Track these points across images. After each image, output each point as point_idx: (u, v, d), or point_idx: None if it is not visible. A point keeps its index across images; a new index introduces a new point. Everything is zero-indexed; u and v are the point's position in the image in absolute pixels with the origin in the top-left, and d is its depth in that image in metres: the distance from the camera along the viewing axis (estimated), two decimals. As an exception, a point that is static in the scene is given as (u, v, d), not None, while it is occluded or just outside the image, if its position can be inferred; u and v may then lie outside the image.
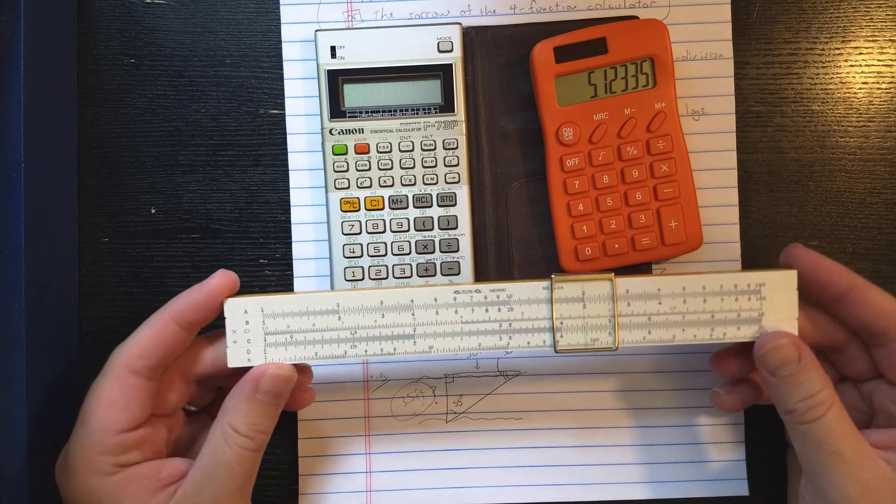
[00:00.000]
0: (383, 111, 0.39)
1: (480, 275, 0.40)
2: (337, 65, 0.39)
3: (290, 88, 0.41)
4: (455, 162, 0.39)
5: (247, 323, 0.35)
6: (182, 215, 0.41)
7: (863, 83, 0.41)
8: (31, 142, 0.37)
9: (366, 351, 0.35)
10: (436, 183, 0.39)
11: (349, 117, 0.39)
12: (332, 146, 0.39)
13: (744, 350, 0.36)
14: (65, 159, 0.41)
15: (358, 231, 0.39)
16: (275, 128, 0.41)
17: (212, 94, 0.41)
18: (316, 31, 0.39)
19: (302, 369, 0.36)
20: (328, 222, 0.40)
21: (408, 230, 0.39)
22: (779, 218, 0.41)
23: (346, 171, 0.39)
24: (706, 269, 0.40)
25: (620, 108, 0.38)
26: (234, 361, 0.35)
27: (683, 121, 0.40)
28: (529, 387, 0.41)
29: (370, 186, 0.39)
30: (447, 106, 0.39)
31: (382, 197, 0.39)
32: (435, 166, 0.39)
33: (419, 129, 0.39)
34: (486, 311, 0.35)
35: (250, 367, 0.35)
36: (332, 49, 0.39)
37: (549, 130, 0.39)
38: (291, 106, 0.41)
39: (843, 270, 0.34)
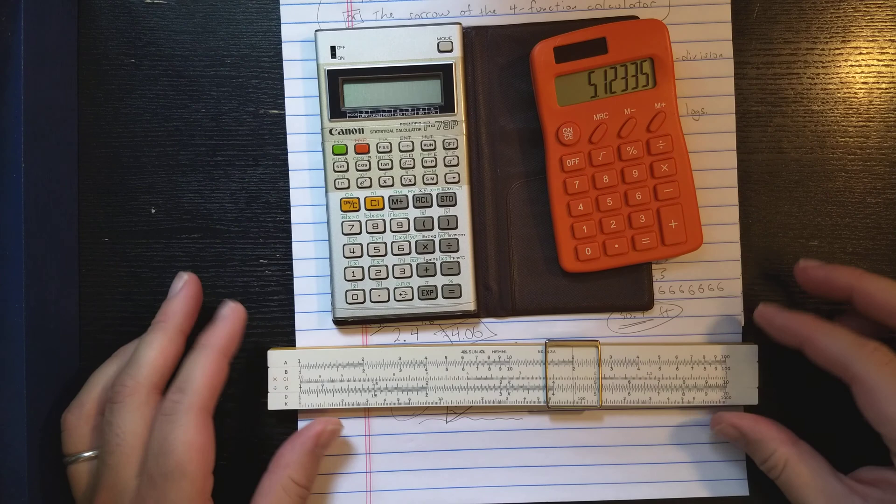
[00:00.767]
0: (383, 111, 0.39)
1: (480, 275, 0.40)
2: (337, 65, 0.39)
3: (290, 88, 0.41)
4: (455, 162, 0.39)
5: (286, 372, 0.40)
6: (182, 215, 0.41)
7: (863, 83, 0.41)
8: (31, 142, 0.37)
9: (385, 399, 0.39)
10: (436, 183, 0.39)
11: (349, 117, 0.39)
12: (332, 146, 0.39)
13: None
14: (65, 159, 0.41)
15: (358, 231, 0.39)
16: (275, 128, 0.41)
17: (212, 94, 0.41)
18: (316, 31, 0.39)
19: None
20: (328, 222, 0.40)
21: (408, 230, 0.39)
22: (779, 218, 0.41)
23: (346, 171, 0.39)
24: (704, 276, 0.40)
25: (620, 108, 0.38)
26: (273, 405, 0.40)
27: (683, 121, 0.40)
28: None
29: (370, 186, 0.39)
30: (447, 106, 0.39)
31: (382, 197, 0.39)
32: (435, 166, 0.39)
33: (419, 129, 0.39)
34: (489, 369, 0.39)
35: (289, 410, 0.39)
36: (333, 49, 0.39)
37: (548, 130, 0.39)
38: (291, 106, 0.41)
39: (798, 318, 0.36)
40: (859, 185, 0.41)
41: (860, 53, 0.41)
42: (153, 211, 0.42)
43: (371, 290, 0.39)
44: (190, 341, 0.37)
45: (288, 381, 0.40)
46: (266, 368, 0.40)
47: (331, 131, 0.39)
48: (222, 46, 0.41)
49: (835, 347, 0.34)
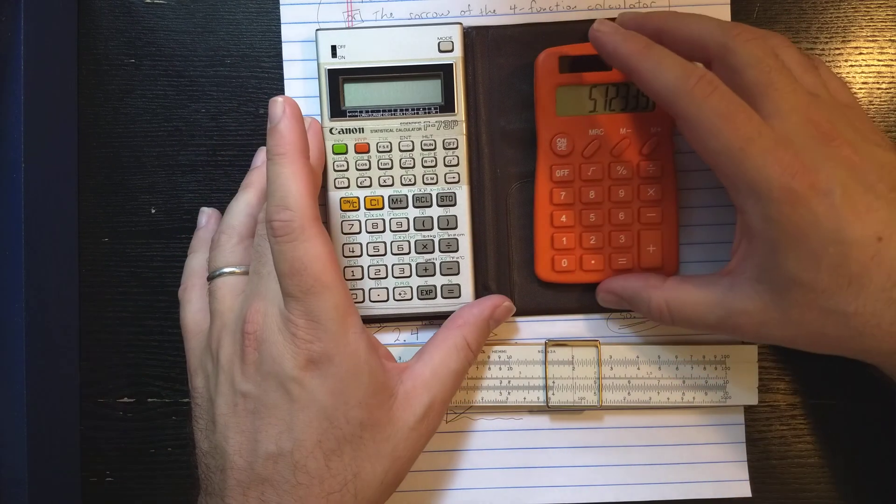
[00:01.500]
0: (383, 111, 0.39)
1: (480, 275, 0.40)
2: (337, 64, 0.39)
3: (290, 88, 0.41)
4: (455, 162, 0.39)
5: None
6: (182, 215, 0.41)
7: (863, 83, 0.41)
8: (31, 142, 0.37)
9: None
10: (436, 183, 0.39)
11: (349, 117, 0.39)
12: (332, 145, 0.39)
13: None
14: (65, 159, 0.41)
15: (357, 230, 0.39)
16: (275, 128, 0.41)
17: (212, 94, 0.41)
18: (317, 30, 0.39)
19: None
20: (328, 222, 0.40)
21: (407, 230, 0.39)
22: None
23: (346, 170, 0.39)
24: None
25: (617, 127, 0.38)
26: None
27: (683, 121, 0.40)
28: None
29: (370, 186, 0.39)
30: (447, 106, 0.39)
31: (382, 196, 0.39)
32: (435, 166, 0.39)
33: (419, 128, 0.39)
34: (489, 369, 0.40)
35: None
36: (333, 48, 0.39)
37: (543, 138, 0.39)
38: (291, 106, 0.41)
39: (627, 44, 0.33)
40: (860, 184, 0.41)
41: (860, 53, 0.41)
42: (153, 211, 0.42)
43: (370, 289, 0.39)
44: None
45: None
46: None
47: (331, 130, 0.39)
48: (222, 46, 0.41)
49: (662, 81, 0.32)
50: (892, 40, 0.41)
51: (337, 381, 0.33)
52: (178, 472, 0.41)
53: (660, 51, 0.33)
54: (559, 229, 0.39)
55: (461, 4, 0.41)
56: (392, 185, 0.39)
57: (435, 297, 0.39)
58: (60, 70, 0.40)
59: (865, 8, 0.41)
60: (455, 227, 0.39)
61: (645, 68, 0.33)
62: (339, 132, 0.39)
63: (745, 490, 0.40)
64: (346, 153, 0.39)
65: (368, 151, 0.39)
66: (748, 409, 0.40)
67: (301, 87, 0.41)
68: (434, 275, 0.39)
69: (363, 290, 0.39)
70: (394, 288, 0.39)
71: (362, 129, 0.39)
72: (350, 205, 0.39)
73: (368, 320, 0.40)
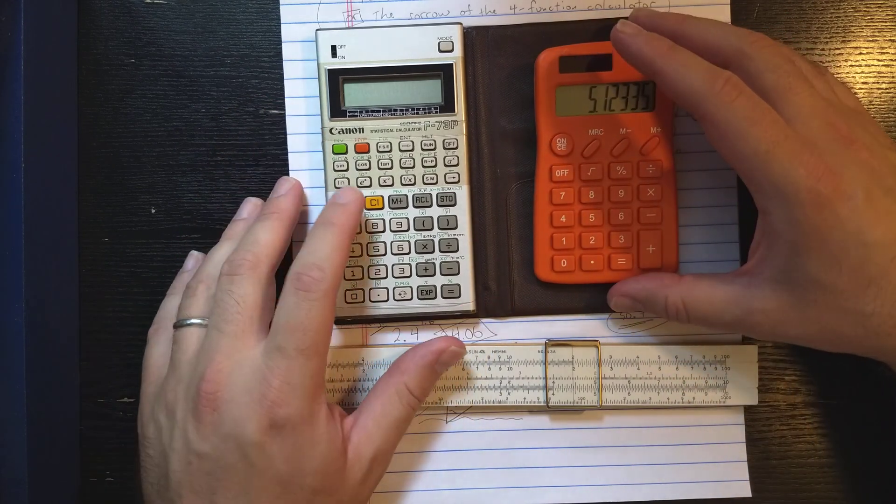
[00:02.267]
0: (383, 111, 0.39)
1: (480, 275, 0.40)
2: (338, 64, 0.39)
3: (290, 88, 0.41)
4: (455, 162, 0.39)
5: None
6: (182, 215, 0.41)
7: (863, 83, 0.41)
8: (31, 142, 0.37)
9: None
10: (436, 183, 0.39)
11: (349, 117, 0.39)
12: (332, 145, 0.39)
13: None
14: (65, 159, 0.41)
15: (357, 230, 0.39)
16: (275, 128, 0.41)
17: (212, 94, 0.41)
18: (317, 30, 0.39)
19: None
20: (328, 222, 0.40)
21: (407, 230, 0.39)
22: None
23: (346, 170, 0.39)
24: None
25: (617, 127, 0.38)
26: None
27: (684, 121, 0.40)
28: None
29: (370, 186, 0.39)
30: (447, 106, 0.39)
31: (382, 196, 0.39)
32: (435, 166, 0.39)
33: (419, 128, 0.39)
34: (489, 368, 0.40)
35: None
36: (333, 48, 0.39)
37: (542, 138, 0.39)
38: (291, 106, 0.41)
39: (652, 46, 0.33)
40: (860, 184, 0.41)
41: (860, 53, 0.41)
42: (153, 211, 0.42)
43: (370, 289, 0.39)
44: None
45: None
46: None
47: (331, 130, 0.39)
48: (222, 46, 0.41)
49: (685, 83, 0.32)
50: (892, 40, 0.41)
51: (296, 449, 0.33)
52: (178, 472, 0.41)
53: (685, 53, 0.33)
54: (559, 229, 0.39)
55: (461, 4, 0.41)
56: (392, 185, 0.39)
57: (435, 297, 0.39)
58: (60, 70, 0.40)
59: (865, 8, 0.41)
60: (455, 227, 0.39)
61: (670, 70, 0.33)
62: (339, 132, 0.39)
63: (745, 490, 0.40)
64: (346, 153, 0.39)
65: (368, 151, 0.39)
66: (748, 409, 0.40)
67: (301, 86, 0.41)
68: (434, 275, 0.39)
69: (363, 290, 0.39)
70: (394, 288, 0.39)
71: (362, 129, 0.39)
72: (350, 205, 0.39)
73: (368, 320, 0.40)
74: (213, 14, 0.41)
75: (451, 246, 0.39)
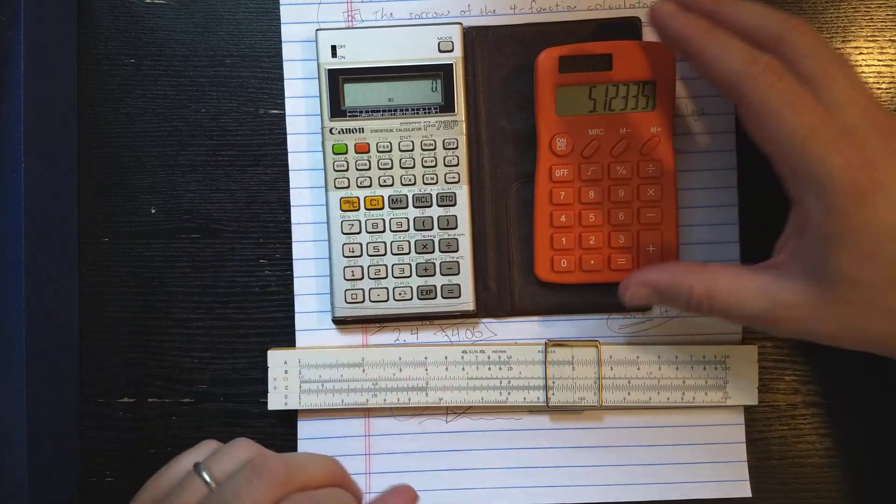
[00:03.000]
0: (383, 111, 0.39)
1: (480, 275, 0.40)
2: (338, 64, 0.39)
3: (290, 88, 0.41)
4: (455, 162, 0.39)
5: (286, 372, 0.40)
6: (182, 215, 0.41)
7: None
8: (31, 142, 0.37)
9: (385, 399, 0.40)
10: (436, 183, 0.39)
11: (349, 116, 0.39)
12: (333, 145, 0.39)
13: None
14: (65, 159, 0.41)
15: (357, 230, 0.39)
16: (275, 128, 0.41)
17: (212, 94, 0.41)
18: (317, 30, 0.39)
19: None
20: (328, 222, 0.40)
21: (407, 230, 0.39)
22: (779, 218, 0.41)
23: (346, 170, 0.39)
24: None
25: (616, 127, 0.38)
26: (273, 405, 0.40)
27: (684, 121, 0.40)
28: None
29: (370, 186, 0.39)
30: (447, 106, 0.39)
31: (382, 196, 0.39)
32: (435, 166, 0.39)
33: (419, 128, 0.39)
34: (489, 369, 0.40)
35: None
36: (333, 48, 0.39)
37: (542, 138, 0.39)
38: (291, 106, 0.41)
39: (692, 26, 0.33)
40: (860, 184, 0.41)
41: (860, 53, 0.41)
42: (153, 211, 0.42)
43: (370, 289, 0.39)
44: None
45: (288, 381, 0.40)
46: (266, 368, 0.40)
47: (331, 130, 0.39)
48: (222, 46, 0.41)
49: (724, 65, 0.32)
50: (892, 40, 0.41)
51: None
52: (178, 472, 0.41)
53: (725, 35, 0.33)
54: (559, 229, 0.39)
55: (461, 4, 0.41)
56: (392, 185, 0.39)
57: (435, 297, 0.39)
58: (60, 70, 0.40)
59: (865, 8, 0.41)
60: (455, 227, 0.39)
61: (710, 52, 0.32)
62: (339, 132, 0.39)
63: (745, 490, 0.40)
64: (346, 153, 0.39)
65: (368, 151, 0.39)
66: (748, 409, 0.40)
67: (301, 86, 0.41)
68: (434, 275, 0.39)
69: (363, 290, 0.39)
70: (394, 288, 0.39)
71: (362, 129, 0.39)
72: (350, 205, 0.39)
73: (368, 320, 0.40)
74: (213, 14, 0.41)
75: (451, 246, 0.39)
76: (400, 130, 0.39)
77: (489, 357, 0.40)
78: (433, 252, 0.39)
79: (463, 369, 0.40)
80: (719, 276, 0.34)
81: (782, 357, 0.41)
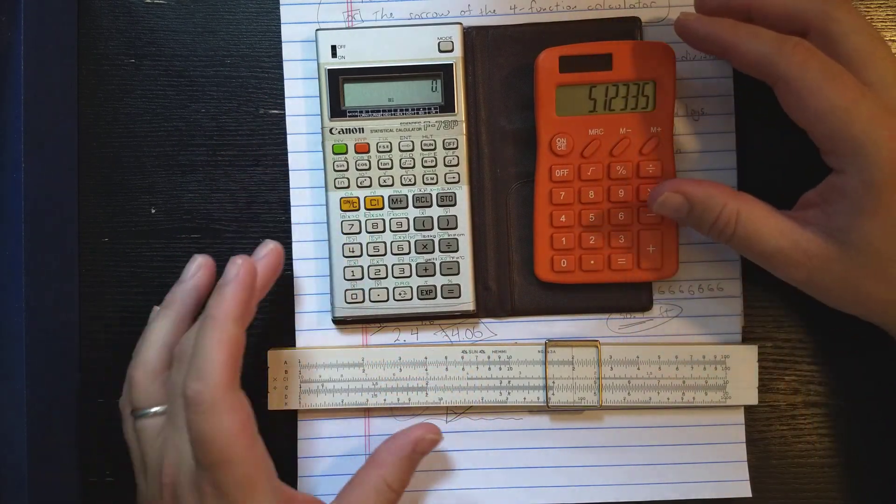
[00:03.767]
0: (383, 111, 0.39)
1: (480, 275, 0.40)
2: (338, 64, 0.39)
3: (290, 88, 0.41)
4: (455, 162, 0.39)
5: (286, 372, 0.40)
6: (182, 215, 0.42)
7: (863, 83, 0.41)
8: (31, 142, 0.37)
9: (385, 399, 0.39)
10: (436, 183, 0.39)
11: (349, 116, 0.39)
12: (332, 145, 0.39)
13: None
14: (65, 159, 0.41)
15: (357, 230, 0.39)
16: (275, 128, 0.41)
17: (212, 94, 0.41)
18: (317, 30, 0.39)
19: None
20: (328, 222, 0.40)
21: (407, 230, 0.39)
22: (779, 218, 0.41)
23: (346, 170, 0.39)
24: (704, 276, 0.40)
25: (616, 127, 0.38)
26: (273, 405, 0.40)
27: (683, 121, 0.40)
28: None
29: (370, 186, 0.39)
30: (447, 106, 0.39)
31: (382, 196, 0.39)
32: (435, 166, 0.39)
33: (419, 128, 0.39)
34: (489, 368, 0.39)
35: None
36: (333, 48, 0.39)
37: (542, 138, 0.39)
38: (291, 106, 0.41)
39: (720, 25, 0.34)
40: (860, 184, 0.41)
41: (860, 53, 0.41)
42: (153, 211, 0.42)
43: (370, 289, 0.39)
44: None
45: (288, 381, 0.40)
46: (266, 368, 0.40)
47: (331, 130, 0.39)
48: (222, 46, 0.41)
49: (756, 50, 0.33)
50: (893, 40, 0.41)
51: None
52: (178, 472, 0.41)
53: (750, 26, 0.33)
54: (559, 229, 0.39)
55: (461, 4, 0.41)
56: (392, 185, 0.39)
57: (435, 297, 0.39)
58: (60, 70, 0.40)
59: (865, 8, 0.41)
60: (455, 227, 0.39)
61: (739, 41, 0.33)
62: (339, 132, 0.39)
63: (745, 490, 0.40)
64: (346, 153, 0.39)
65: (368, 151, 0.39)
66: (748, 409, 0.40)
67: (301, 87, 0.41)
68: (434, 275, 0.39)
69: (363, 290, 0.39)
70: (394, 288, 0.39)
71: (362, 129, 0.39)
72: (350, 205, 0.39)
73: (368, 320, 0.40)
74: (213, 14, 0.41)
75: (451, 246, 0.39)
76: (400, 130, 0.39)
77: (489, 357, 0.40)
78: (433, 252, 0.39)
79: (463, 369, 0.40)
80: (752, 204, 0.34)
81: (782, 357, 0.41)
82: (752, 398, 0.39)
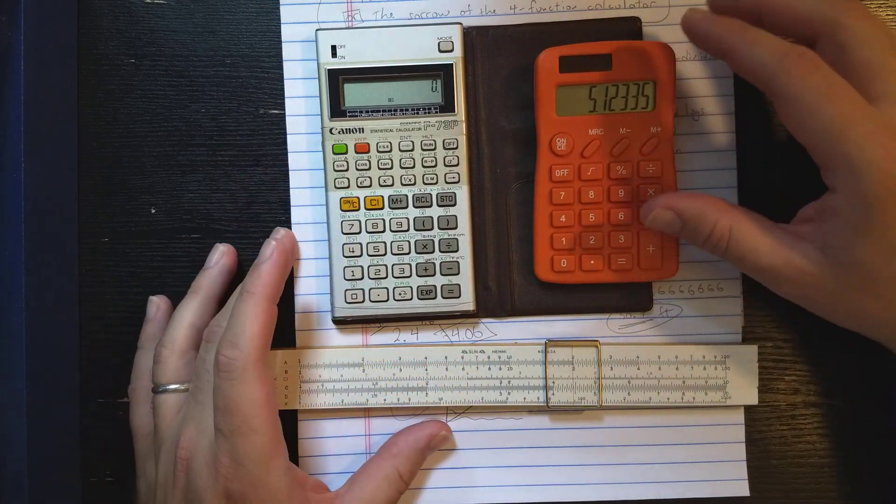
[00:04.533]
0: (383, 111, 0.39)
1: (480, 275, 0.40)
2: (337, 64, 0.39)
3: (290, 88, 0.41)
4: (455, 162, 0.39)
5: (286, 372, 0.40)
6: (182, 215, 0.42)
7: (863, 83, 0.41)
8: (31, 142, 0.37)
9: (385, 399, 0.40)
10: (436, 183, 0.39)
11: (349, 116, 0.39)
12: (332, 145, 0.39)
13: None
14: (65, 159, 0.41)
15: (357, 230, 0.39)
16: (275, 128, 0.41)
17: (212, 94, 0.41)
18: (317, 30, 0.39)
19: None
20: (328, 222, 0.40)
21: (407, 230, 0.39)
22: (779, 218, 0.41)
23: (346, 170, 0.39)
24: (704, 276, 0.40)
25: (616, 127, 0.38)
26: None
27: (683, 121, 0.40)
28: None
29: (370, 186, 0.39)
30: (447, 106, 0.39)
31: (382, 196, 0.39)
32: (435, 166, 0.39)
33: (419, 128, 0.39)
34: (489, 368, 0.40)
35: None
36: (333, 48, 0.39)
37: (542, 138, 0.39)
38: (291, 106, 0.41)
39: (722, 25, 0.33)
40: (859, 184, 0.41)
41: (860, 53, 0.41)
42: (153, 211, 0.42)
43: (370, 289, 0.39)
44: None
45: (288, 381, 0.40)
46: (266, 368, 0.40)
47: (331, 130, 0.39)
48: (222, 46, 0.41)
49: (757, 58, 0.31)
50: (892, 40, 0.41)
51: None
52: (178, 472, 0.41)
53: (755, 31, 0.32)
54: (558, 229, 0.39)
55: (461, 4, 0.41)
56: (392, 185, 0.39)
57: (435, 297, 0.39)
58: (60, 70, 0.40)
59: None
60: (455, 227, 0.39)
61: (740, 46, 0.32)
62: (339, 132, 0.39)
63: (744, 490, 0.40)
64: (346, 153, 0.39)
65: (368, 151, 0.39)
66: (748, 409, 0.40)
67: (301, 86, 0.41)
68: (434, 275, 0.39)
69: (363, 290, 0.39)
70: (394, 288, 0.39)
71: (362, 129, 0.39)
72: (350, 205, 0.39)
73: (368, 320, 0.40)
74: (213, 14, 0.41)
75: (451, 246, 0.39)
76: (400, 130, 0.39)
77: (489, 357, 0.40)
78: (433, 252, 0.39)
79: (463, 369, 0.40)
80: (745, 219, 0.34)
81: (782, 357, 0.41)
82: (752, 398, 0.39)
